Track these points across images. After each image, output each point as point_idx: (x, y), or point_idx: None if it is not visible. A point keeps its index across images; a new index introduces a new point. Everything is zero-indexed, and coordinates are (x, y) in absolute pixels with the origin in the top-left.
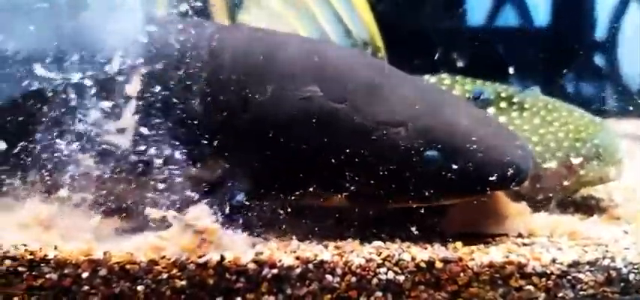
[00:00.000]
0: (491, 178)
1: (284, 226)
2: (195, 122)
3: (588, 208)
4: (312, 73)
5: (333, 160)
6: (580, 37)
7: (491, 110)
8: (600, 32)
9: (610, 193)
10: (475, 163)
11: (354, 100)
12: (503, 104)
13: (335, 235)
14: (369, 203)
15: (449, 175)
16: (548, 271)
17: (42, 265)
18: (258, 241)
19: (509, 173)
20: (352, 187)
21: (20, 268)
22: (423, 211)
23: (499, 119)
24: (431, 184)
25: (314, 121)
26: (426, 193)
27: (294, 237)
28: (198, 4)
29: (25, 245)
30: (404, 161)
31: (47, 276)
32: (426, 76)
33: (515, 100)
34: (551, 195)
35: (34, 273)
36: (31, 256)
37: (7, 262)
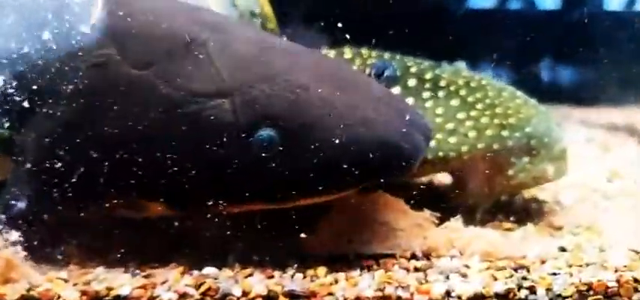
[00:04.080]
0: (358, 166)
1: (90, 247)
2: None
3: (526, 213)
4: (108, 31)
5: (137, 151)
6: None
7: (396, 89)
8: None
9: (556, 194)
10: (331, 146)
11: (161, 65)
12: (411, 82)
13: (166, 258)
14: (195, 209)
15: (293, 162)
16: None
17: None
18: (48, 269)
19: (385, 159)
20: (167, 188)
21: None
22: (288, 223)
23: (407, 100)
24: (270, 178)
25: (109, 95)
26: (267, 191)
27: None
28: None
29: None
30: (230, 146)
31: None
32: (325, 49)
33: (427, 76)
34: (472, 201)
35: None
36: None
37: None
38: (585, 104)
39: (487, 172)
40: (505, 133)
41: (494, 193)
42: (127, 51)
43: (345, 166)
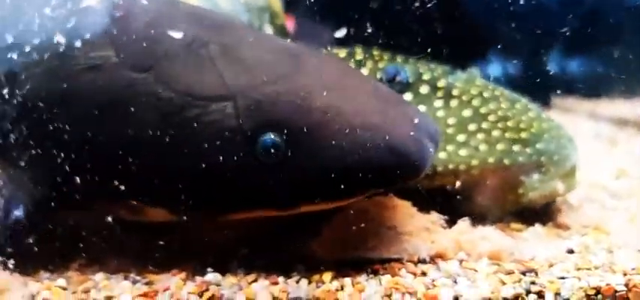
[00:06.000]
0: (364, 173)
1: (91, 253)
2: None
3: (533, 213)
4: (106, 33)
5: (136, 155)
6: None
7: (408, 96)
8: None
9: None
10: (336, 152)
11: (161, 67)
12: (424, 89)
13: (167, 264)
14: (197, 215)
15: (298, 169)
16: None
17: None
18: (45, 277)
19: (392, 165)
20: (168, 193)
21: None
22: (293, 229)
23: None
24: (273, 184)
25: (107, 98)
26: (270, 198)
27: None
28: None
29: None
30: (233, 151)
31: None
32: (335, 49)
33: (439, 84)
34: (482, 213)
35: None
36: None
37: None
38: (594, 96)
39: (497, 187)
40: (516, 148)
41: (505, 209)
42: (126, 53)
43: (350, 173)
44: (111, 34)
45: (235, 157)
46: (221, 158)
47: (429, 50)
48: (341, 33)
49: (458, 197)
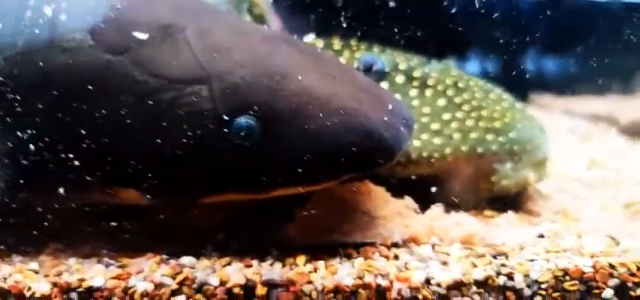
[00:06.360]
0: (338, 157)
1: (63, 237)
2: None
3: (506, 201)
4: (81, 16)
5: (111, 136)
6: None
7: (384, 85)
8: None
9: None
10: (311, 136)
11: (137, 50)
12: (400, 78)
13: (139, 248)
14: (171, 198)
15: (273, 152)
16: (420, 297)
17: None
18: (17, 260)
19: (366, 150)
20: (141, 175)
21: None
22: (267, 212)
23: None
24: (247, 167)
25: (82, 81)
26: (245, 181)
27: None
28: None
29: None
30: (208, 133)
31: None
32: (310, 38)
33: (415, 74)
34: (455, 199)
35: None
36: None
37: None
38: (569, 93)
39: (470, 175)
40: (489, 137)
41: (478, 197)
42: (101, 35)
43: (325, 157)
44: (86, 17)
45: (210, 140)
46: (196, 141)
47: (402, 41)
48: (309, 38)
49: (432, 185)
